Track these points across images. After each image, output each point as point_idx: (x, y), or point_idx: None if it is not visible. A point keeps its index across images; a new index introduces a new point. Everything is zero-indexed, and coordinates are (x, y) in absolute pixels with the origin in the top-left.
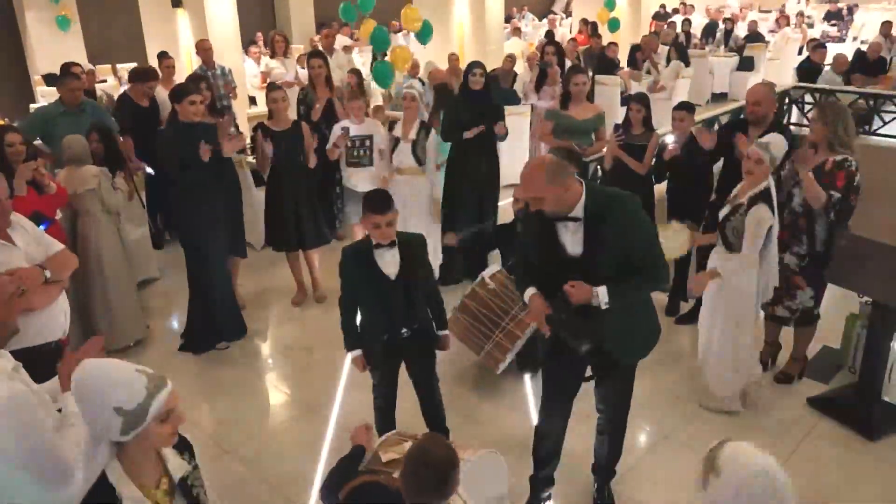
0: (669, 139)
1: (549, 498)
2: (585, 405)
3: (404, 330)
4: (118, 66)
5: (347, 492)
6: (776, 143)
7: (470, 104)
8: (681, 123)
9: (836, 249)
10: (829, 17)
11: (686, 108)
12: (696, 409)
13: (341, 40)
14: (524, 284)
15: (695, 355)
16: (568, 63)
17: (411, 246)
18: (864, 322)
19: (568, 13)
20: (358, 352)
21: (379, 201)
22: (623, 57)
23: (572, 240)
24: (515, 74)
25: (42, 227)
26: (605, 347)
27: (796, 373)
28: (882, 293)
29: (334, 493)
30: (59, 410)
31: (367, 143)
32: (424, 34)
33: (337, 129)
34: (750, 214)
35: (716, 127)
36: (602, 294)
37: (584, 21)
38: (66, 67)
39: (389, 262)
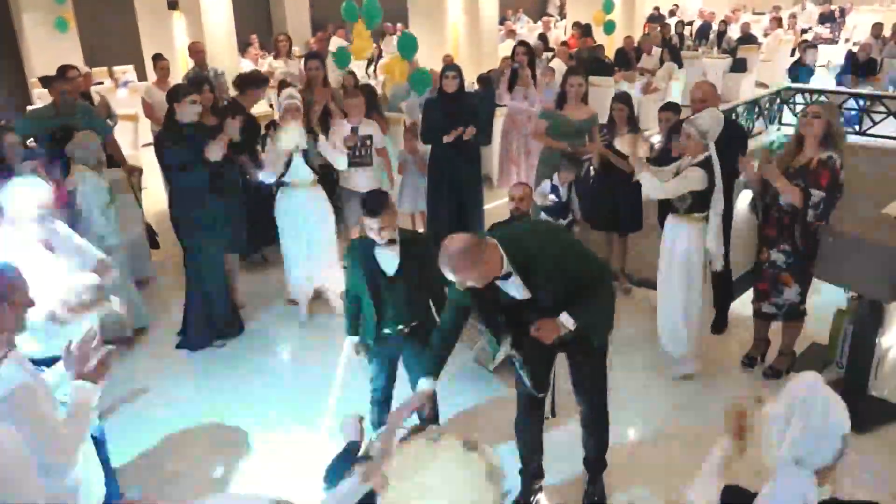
0: (656, 140)
1: (540, 490)
2: (573, 398)
3: (400, 326)
4: (114, 68)
5: None
6: (703, 118)
7: (445, 106)
8: (667, 124)
9: (823, 246)
10: (821, 19)
11: (672, 108)
12: (688, 401)
13: (336, 42)
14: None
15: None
16: (539, 64)
17: (415, 245)
18: (851, 318)
19: (563, 15)
20: (356, 338)
21: (370, 204)
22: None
23: (515, 288)
24: None
25: None
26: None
27: (785, 368)
28: (869, 289)
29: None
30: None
31: (368, 142)
32: (408, 46)
33: (346, 129)
34: (689, 170)
35: None
36: (566, 320)
37: (577, 24)
38: (63, 70)
39: (389, 259)
